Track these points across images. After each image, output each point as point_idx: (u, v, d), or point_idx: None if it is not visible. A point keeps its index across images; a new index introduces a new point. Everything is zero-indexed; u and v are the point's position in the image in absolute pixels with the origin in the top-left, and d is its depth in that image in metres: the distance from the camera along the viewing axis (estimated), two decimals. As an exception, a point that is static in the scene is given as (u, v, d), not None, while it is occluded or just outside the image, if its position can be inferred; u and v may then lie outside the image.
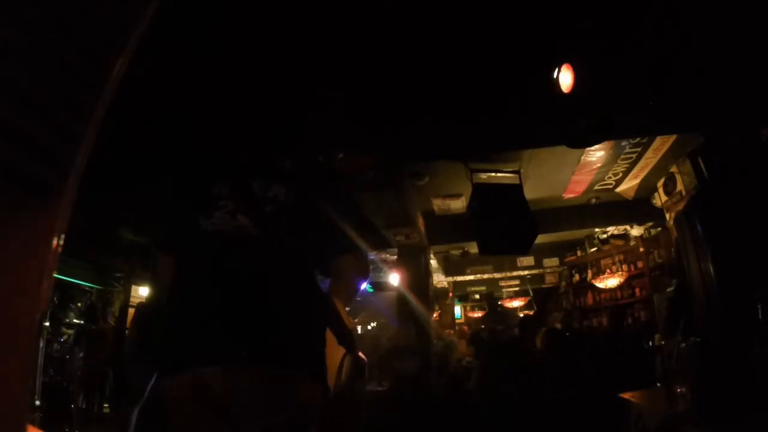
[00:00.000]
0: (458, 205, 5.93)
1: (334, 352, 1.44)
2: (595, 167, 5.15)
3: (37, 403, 3.01)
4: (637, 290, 6.81)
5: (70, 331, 6.03)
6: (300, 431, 1.26)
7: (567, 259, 8.20)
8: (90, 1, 1.02)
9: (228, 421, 1.20)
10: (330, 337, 1.44)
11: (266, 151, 1.64)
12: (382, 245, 6.68)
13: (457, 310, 9.64)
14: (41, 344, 3.28)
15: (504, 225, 4.81)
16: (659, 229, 6.26)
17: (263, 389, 1.18)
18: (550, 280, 8.88)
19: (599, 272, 7.36)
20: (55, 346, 3.58)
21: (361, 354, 1.51)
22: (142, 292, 7.19)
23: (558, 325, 6.75)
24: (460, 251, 8.26)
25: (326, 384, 1.35)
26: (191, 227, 1.36)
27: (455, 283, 9.05)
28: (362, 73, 3.46)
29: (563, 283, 8.51)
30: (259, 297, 1.28)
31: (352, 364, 1.46)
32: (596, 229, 7.29)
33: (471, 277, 8.79)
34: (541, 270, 8.66)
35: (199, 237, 1.34)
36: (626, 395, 2.43)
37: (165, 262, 1.47)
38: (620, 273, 7.00)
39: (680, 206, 4.53)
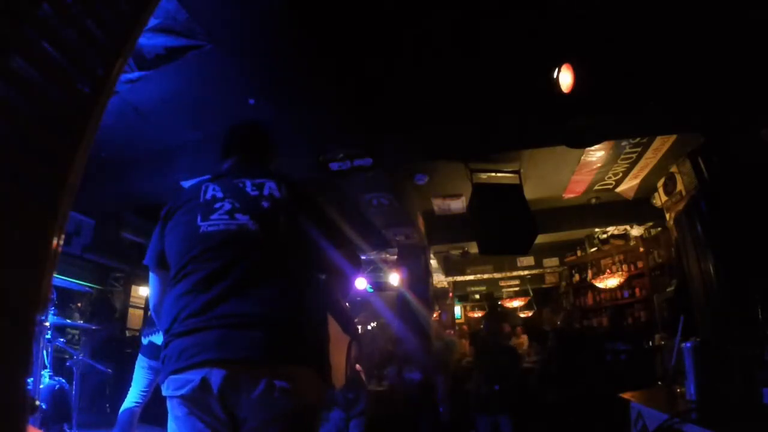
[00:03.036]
0: (458, 205, 5.94)
1: (337, 347, 1.45)
2: (595, 167, 5.15)
3: (37, 403, 3.00)
4: (637, 290, 6.81)
5: (74, 331, 6.05)
6: (303, 426, 1.26)
7: (567, 259, 8.20)
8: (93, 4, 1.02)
9: (233, 419, 1.20)
10: (333, 334, 1.45)
11: (256, 151, 1.67)
12: (382, 245, 6.69)
13: (457, 310, 9.64)
14: (41, 344, 3.28)
15: (504, 225, 4.81)
16: (659, 229, 6.26)
17: (266, 386, 1.18)
18: (550, 280, 8.88)
19: (599, 272, 7.36)
20: (56, 345, 3.58)
21: (358, 366, 1.54)
22: (142, 292, 7.20)
23: (546, 327, 6.74)
24: (460, 251, 8.26)
25: (329, 379, 1.36)
26: (190, 232, 1.36)
27: (455, 283, 9.06)
28: (363, 74, 3.47)
29: (563, 283, 8.51)
30: (260, 293, 1.28)
31: (355, 350, 1.48)
32: (596, 229, 7.30)
33: (471, 277, 8.80)
34: (541, 270, 8.67)
35: (199, 239, 1.34)
36: (626, 395, 2.43)
37: (159, 277, 1.49)
38: (620, 273, 7.00)
39: (680, 206, 4.54)
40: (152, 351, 3.18)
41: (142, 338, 3.24)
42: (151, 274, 1.51)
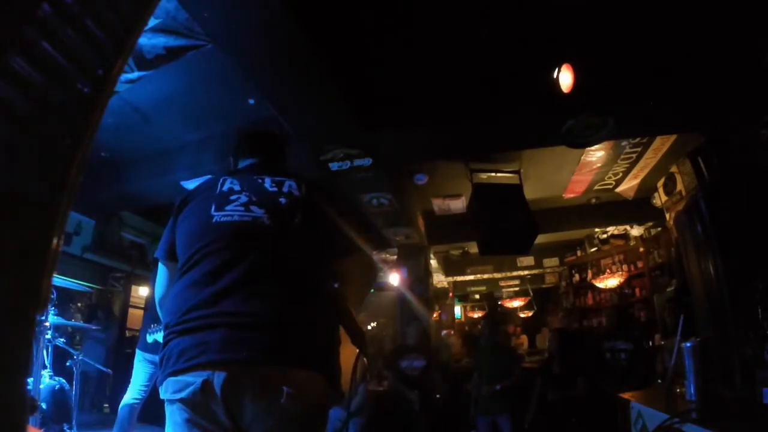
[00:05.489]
0: (458, 205, 5.94)
1: (346, 353, 1.41)
2: (595, 167, 5.15)
3: (37, 403, 3.00)
4: (637, 290, 6.81)
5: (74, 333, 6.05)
6: (309, 430, 1.22)
7: (567, 259, 8.20)
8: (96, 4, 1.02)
9: (236, 424, 1.15)
10: (342, 337, 1.40)
11: (274, 152, 1.64)
12: (382, 245, 6.68)
13: (457, 310, 9.64)
14: (41, 344, 3.28)
15: (504, 225, 4.81)
16: (659, 229, 6.26)
17: (273, 391, 1.13)
18: (550, 280, 8.88)
19: (599, 272, 7.36)
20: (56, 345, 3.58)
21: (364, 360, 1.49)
22: (142, 292, 7.20)
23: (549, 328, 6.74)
24: (460, 251, 8.26)
25: (337, 383, 1.29)
26: (203, 221, 1.33)
27: (455, 283, 9.06)
28: (362, 73, 3.47)
29: (563, 283, 8.51)
30: (269, 292, 1.23)
31: (362, 365, 1.44)
32: (596, 229, 7.30)
33: (471, 277, 8.79)
34: (541, 270, 8.67)
35: (211, 229, 1.30)
36: (626, 395, 2.43)
37: (168, 269, 1.46)
38: (620, 273, 7.00)
39: (680, 206, 4.53)
40: (153, 348, 3.17)
41: (147, 335, 3.23)
42: (159, 266, 1.48)
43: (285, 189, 1.40)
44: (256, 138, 1.69)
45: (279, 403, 1.12)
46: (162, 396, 1.21)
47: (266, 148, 1.65)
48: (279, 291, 1.24)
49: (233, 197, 1.36)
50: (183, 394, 1.14)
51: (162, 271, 1.47)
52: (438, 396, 4.70)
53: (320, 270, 1.39)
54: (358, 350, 1.45)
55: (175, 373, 1.16)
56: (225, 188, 1.40)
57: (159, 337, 3.11)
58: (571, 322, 5.67)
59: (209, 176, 1.52)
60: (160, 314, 1.42)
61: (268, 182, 1.42)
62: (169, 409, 1.19)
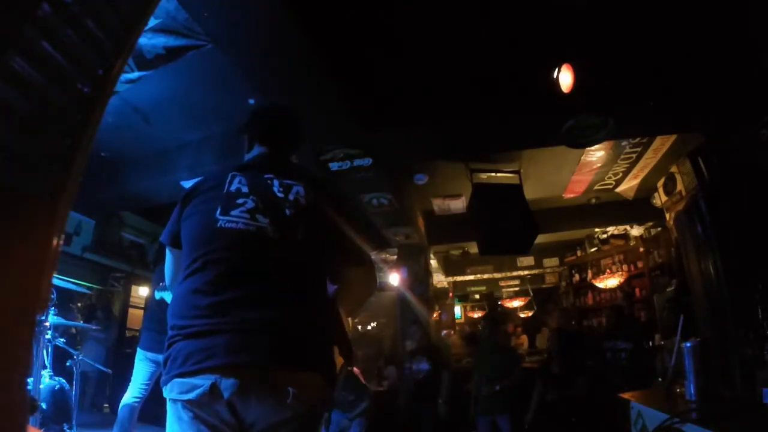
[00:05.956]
0: (458, 205, 5.94)
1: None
2: (595, 167, 5.15)
3: (37, 403, 3.00)
4: (637, 290, 6.81)
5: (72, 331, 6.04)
6: (309, 430, 1.24)
7: (567, 259, 8.20)
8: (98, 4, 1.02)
9: (240, 422, 1.17)
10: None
11: (286, 143, 1.60)
12: (382, 245, 6.69)
13: (457, 310, 9.64)
14: (41, 344, 3.28)
15: (504, 225, 4.81)
16: (659, 229, 6.26)
17: (277, 392, 1.16)
18: (550, 280, 8.88)
19: (599, 272, 7.36)
20: (56, 345, 3.58)
21: (355, 369, 1.51)
22: (142, 292, 7.19)
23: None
24: (460, 251, 8.26)
25: (334, 383, 1.32)
26: (207, 223, 1.33)
27: (455, 283, 9.06)
28: (362, 73, 3.47)
29: (563, 283, 8.51)
30: (272, 299, 1.25)
31: (347, 376, 1.46)
32: (596, 229, 7.30)
33: (471, 277, 8.80)
34: (541, 270, 8.67)
35: (215, 234, 1.30)
36: (626, 395, 2.43)
37: (174, 255, 1.47)
38: (620, 273, 7.00)
39: (680, 206, 4.53)
40: (151, 342, 3.17)
41: (156, 292, 3.22)
42: (167, 251, 1.50)
43: (291, 196, 1.39)
44: (273, 122, 1.64)
45: (284, 404, 1.16)
46: (166, 395, 1.22)
47: (281, 137, 1.59)
48: (280, 296, 1.27)
49: (240, 200, 1.35)
50: (190, 396, 1.16)
51: (169, 255, 1.51)
52: (441, 401, 4.70)
53: (320, 273, 1.41)
54: (343, 361, 1.46)
55: (181, 375, 1.18)
56: (233, 188, 1.38)
57: (166, 295, 3.11)
58: (566, 321, 5.67)
59: (222, 167, 1.48)
60: (172, 293, 1.43)
61: (276, 186, 1.40)
62: (172, 407, 1.21)
